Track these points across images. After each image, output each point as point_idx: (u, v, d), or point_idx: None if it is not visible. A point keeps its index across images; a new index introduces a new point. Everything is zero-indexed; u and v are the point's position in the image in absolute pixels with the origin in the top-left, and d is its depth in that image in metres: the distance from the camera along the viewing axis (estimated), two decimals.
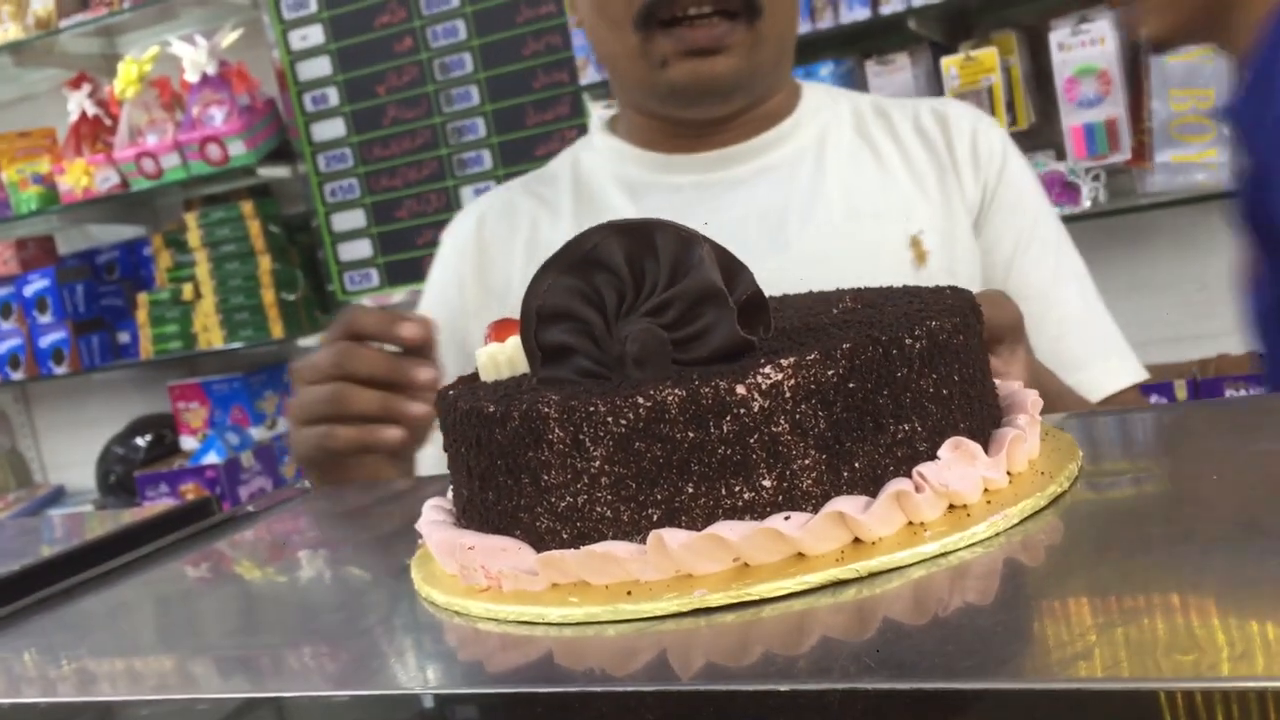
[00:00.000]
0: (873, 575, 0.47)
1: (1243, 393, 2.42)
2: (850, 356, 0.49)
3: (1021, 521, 0.50)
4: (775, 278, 0.67)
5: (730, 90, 1.06)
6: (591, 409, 0.49)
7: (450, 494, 0.62)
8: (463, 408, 0.54)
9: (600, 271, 0.53)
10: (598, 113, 1.25)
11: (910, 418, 0.51)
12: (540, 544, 0.52)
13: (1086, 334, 1.11)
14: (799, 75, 2.64)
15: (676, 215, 0.56)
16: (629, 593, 0.48)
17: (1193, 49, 2.24)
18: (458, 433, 0.56)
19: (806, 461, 0.49)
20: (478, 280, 1.17)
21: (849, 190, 1.10)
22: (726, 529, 0.48)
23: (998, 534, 0.49)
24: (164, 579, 0.72)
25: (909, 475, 0.50)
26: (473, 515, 0.56)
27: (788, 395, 0.49)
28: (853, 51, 2.61)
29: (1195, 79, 2.29)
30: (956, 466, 0.51)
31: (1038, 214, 1.14)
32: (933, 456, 0.51)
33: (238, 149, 3.16)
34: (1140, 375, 1.12)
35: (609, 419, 0.49)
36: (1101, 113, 2.36)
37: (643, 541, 0.49)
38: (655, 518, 0.49)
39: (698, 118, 1.10)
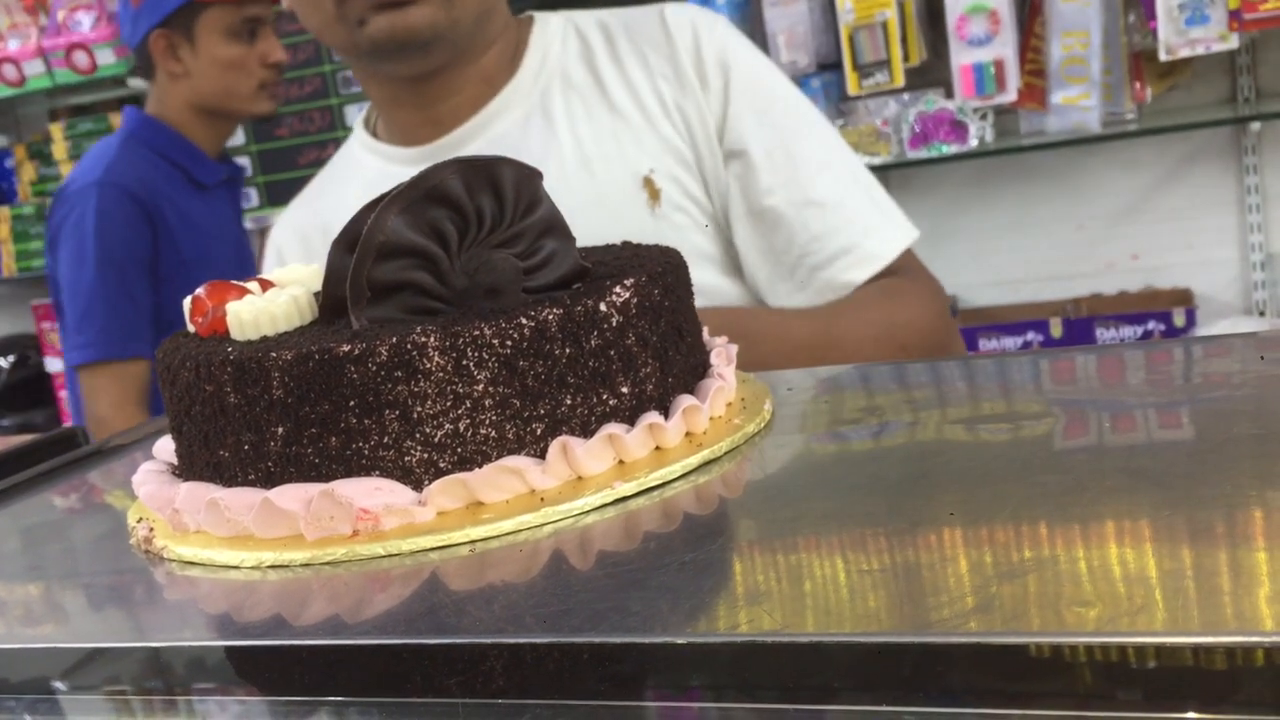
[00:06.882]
0: (704, 464, 0.56)
1: (1113, 332, 2.51)
2: (661, 279, 0.58)
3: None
4: None
5: (429, 41, 1.04)
6: (476, 333, 0.51)
7: (158, 459, 0.62)
8: (285, 356, 0.51)
9: (441, 207, 0.55)
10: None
11: (693, 329, 0.62)
12: (408, 479, 0.52)
13: (846, 218, 1.08)
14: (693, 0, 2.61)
15: None
16: (542, 499, 0.51)
17: None
18: (256, 387, 0.52)
19: (648, 370, 0.56)
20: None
21: (579, 139, 1.09)
22: (617, 430, 0.54)
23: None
24: (30, 511, 0.69)
25: (707, 376, 0.61)
26: (275, 471, 0.53)
27: (634, 312, 0.55)
28: None
29: (1078, 21, 2.33)
30: (727, 371, 0.62)
31: (779, 114, 1.11)
32: (707, 362, 0.62)
33: (106, 57, 3.01)
34: (908, 236, 1.10)
35: (494, 341, 0.51)
36: (990, 52, 2.38)
37: (531, 455, 0.52)
38: (539, 431, 0.53)
39: (404, 74, 1.09)
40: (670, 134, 1.08)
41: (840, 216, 1.08)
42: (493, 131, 1.11)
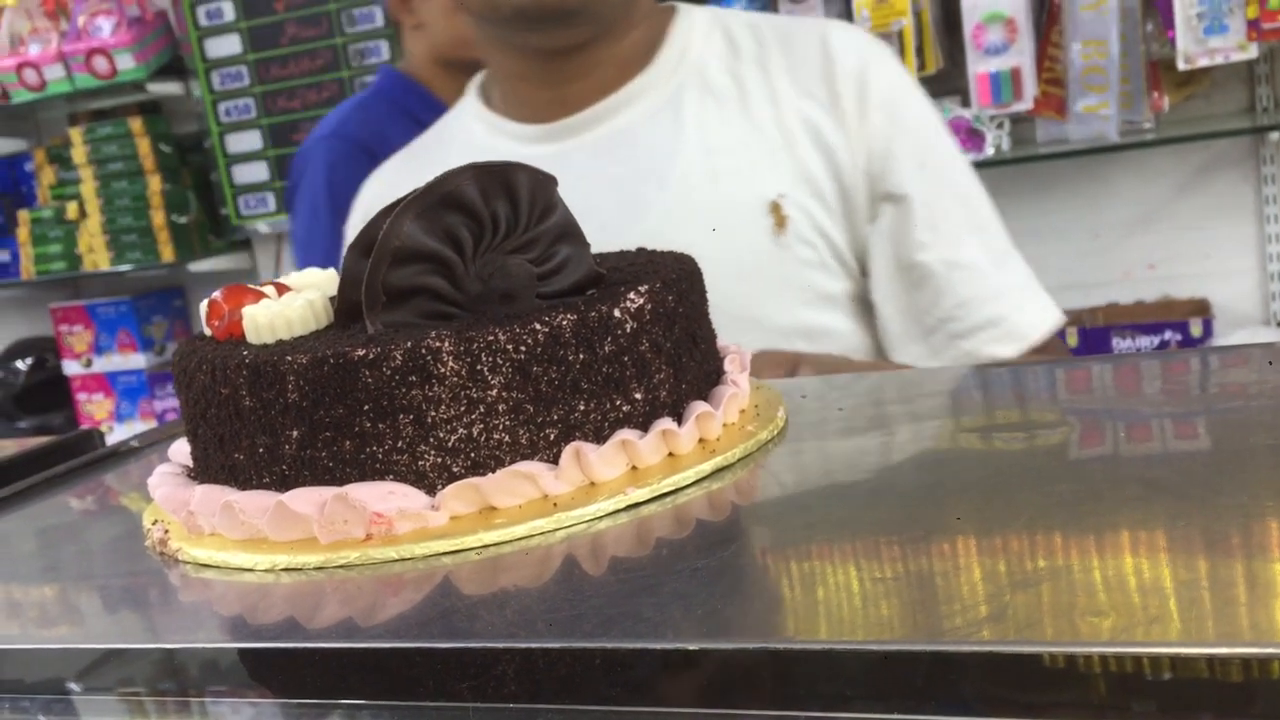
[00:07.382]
0: (717, 471, 0.56)
1: (1129, 341, 2.50)
2: (675, 286, 0.58)
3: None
4: (636, 245, 0.67)
5: (576, 12, 0.98)
6: (491, 338, 0.51)
7: (173, 461, 0.62)
8: (301, 360, 0.51)
9: (456, 213, 0.55)
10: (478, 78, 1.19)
11: (707, 335, 0.62)
12: (422, 483, 0.52)
13: (996, 288, 1.01)
14: (712, 2, 2.61)
15: None
16: (555, 505, 0.51)
17: None
18: (271, 390, 0.52)
19: (661, 376, 0.56)
20: None
21: (709, 149, 1.01)
22: (630, 435, 0.54)
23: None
24: (46, 513, 0.69)
25: (721, 382, 0.61)
26: (290, 474, 0.53)
27: (647, 318, 0.55)
28: None
29: (1096, 30, 2.32)
30: (740, 378, 0.61)
31: (942, 165, 1.03)
32: (721, 369, 0.62)
33: (126, 63, 3.03)
34: (1056, 318, 1.03)
35: (508, 346, 0.51)
36: (1007, 61, 2.37)
37: (544, 460, 0.52)
38: (552, 436, 0.53)
39: (544, 46, 1.02)
40: (810, 161, 1.00)
41: (990, 286, 1.00)
42: (618, 120, 1.04)
